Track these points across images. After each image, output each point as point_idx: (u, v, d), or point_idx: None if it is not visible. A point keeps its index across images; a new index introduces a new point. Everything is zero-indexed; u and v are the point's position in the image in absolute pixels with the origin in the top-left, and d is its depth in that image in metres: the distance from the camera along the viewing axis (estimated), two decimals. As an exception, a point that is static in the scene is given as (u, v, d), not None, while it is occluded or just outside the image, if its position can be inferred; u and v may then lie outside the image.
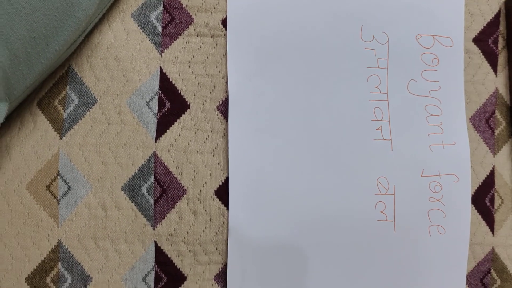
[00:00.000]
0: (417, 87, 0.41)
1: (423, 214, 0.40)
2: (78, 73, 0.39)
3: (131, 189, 0.39)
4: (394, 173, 0.40)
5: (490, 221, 0.42)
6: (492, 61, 0.44)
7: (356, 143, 0.40)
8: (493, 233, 0.42)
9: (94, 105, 0.39)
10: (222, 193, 0.39)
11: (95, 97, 0.39)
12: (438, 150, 0.41)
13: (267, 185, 0.39)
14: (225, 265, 0.39)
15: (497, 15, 0.44)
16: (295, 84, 0.40)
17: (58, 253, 0.38)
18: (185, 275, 0.39)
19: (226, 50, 0.40)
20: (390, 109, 0.41)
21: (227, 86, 0.40)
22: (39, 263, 0.37)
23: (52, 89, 0.39)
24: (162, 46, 0.40)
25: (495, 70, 0.44)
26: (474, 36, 0.43)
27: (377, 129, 0.40)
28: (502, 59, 0.44)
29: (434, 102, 0.41)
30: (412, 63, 0.41)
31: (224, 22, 0.41)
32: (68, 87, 0.39)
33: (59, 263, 0.38)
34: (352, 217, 0.39)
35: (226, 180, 0.39)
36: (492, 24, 0.44)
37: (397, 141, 0.41)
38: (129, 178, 0.39)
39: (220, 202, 0.39)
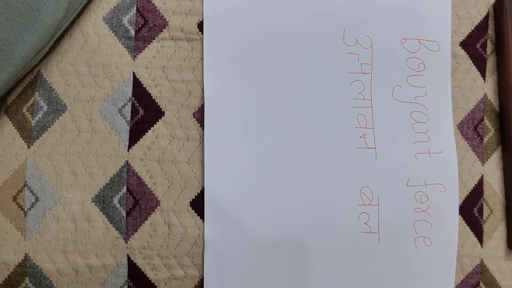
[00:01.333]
0: (402, 93, 0.40)
1: (409, 226, 0.38)
2: (48, 79, 0.37)
3: (102, 200, 0.37)
4: (378, 183, 0.39)
5: (478, 232, 0.40)
6: (481, 66, 0.42)
7: (338, 152, 0.38)
8: (481, 244, 0.40)
9: (64, 112, 0.37)
10: (198, 204, 0.38)
11: (65, 104, 0.37)
12: (424, 159, 0.39)
13: (245, 195, 0.37)
14: (202, 279, 0.37)
15: (486, 18, 0.42)
16: (274, 89, 0.38)
17: (26, 267, 0.36)
18: (158, 290, 0.37)
19: (202, 55, 0.38)
20: (374, 116, 0.39)
21: (203, 92, 0.38)
22: (5, 278, 0.36)
23: (20, 95, 0.37)
24: (135, 51, 0.38)
25: (483, 75, 0.42)
26: (461, 40, 0.42)
27: (360, 137, 0.39)
28: (490, 63, 0.42)
29: (420, 109, 0.40)
30: (397, 68, 0.40)
31: (200, 26, 0.39)
32: (37, 93, 0.37)
33: (27, 278, 0.36)
34: (334, 229, 0.38)
35: (202, 191, 0.38)
36: (481, 28, 0.42)
37: (381, 149, 0.39)
38: (100, 189, 0.37)
39: (196, 214, 0.37)
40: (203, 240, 0.37)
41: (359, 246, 0.38)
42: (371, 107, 0.39)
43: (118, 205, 0.37)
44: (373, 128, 0.39)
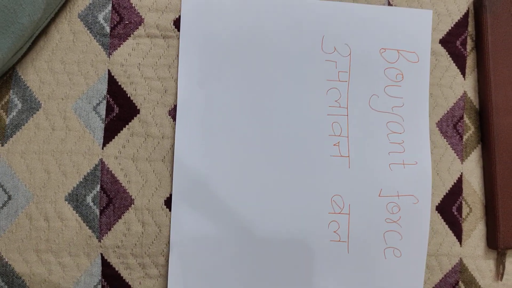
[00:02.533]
0: (379, 102, 0.39)
1: (379, 236, 0.38)
2: (22, 77, 0.37)
3: (75, 198, 0.37)
4: (350, 192, 0.38)
5: (457, 231, 0.40)
6: (460, 63, 0.42)
7: (311, 158, 0.38)
8: (460, 243, 0.40)
9: (38, 110, 0.37)
10: (173, 202, 0.37)
11: (39, 101, 0.37)
12: (398, 170, 0.39)
13: (214, 198, 0.37)
14: (177, 279, 0.37)
15: (466, 15, 0.42)
16: (249, 92, 0.38)
17: (-2, 266, 0.36)
18: (132, 289, 0.37)
19: (178, 52, 0.38)
20: (350, 124, 0.39)
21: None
22: (-23, 278, 0.35)
23: (-5, 93, 0.37)
24: (110, 48, 0.38)
25: (463, 73, 0.42)
26: (441, 38, 0.42)
27: (334, 145, 0.38)
28: (470, 61, 0.42)
29: (397, 119, 0.39)
30: (375, 78, 0.39)
31: (176, 23, 0.39)
32: (11, 91, 0.37)
33: (-1, 277, 0.35)
34: (304, 236, 0.37)
35: (177, 189, 0.37)
36: (460, 25, 0.42)
37: (355, 158, 0.38)
38: (74, 187, 0.37)
39: (170, 213, 0.37)
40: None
41: (328, 255, 0.38)
42: (347, 115, 0.39)
43: (91, 204, 0.37)
44: (347, 137, 0.39)
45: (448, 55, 0.42)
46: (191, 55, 0.38)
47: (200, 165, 0.37)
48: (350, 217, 0.38)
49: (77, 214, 0.36)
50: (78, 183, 0.37)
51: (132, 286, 0.37)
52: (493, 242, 0.40)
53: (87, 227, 0.36)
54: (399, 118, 0.39)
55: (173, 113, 0.38)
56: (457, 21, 0.42)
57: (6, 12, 0.33)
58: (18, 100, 0.37)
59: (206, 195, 0.37)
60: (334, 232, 0.37)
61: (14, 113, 0.37)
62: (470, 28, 0.42)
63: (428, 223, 0.39)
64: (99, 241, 0.37)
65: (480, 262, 0.40)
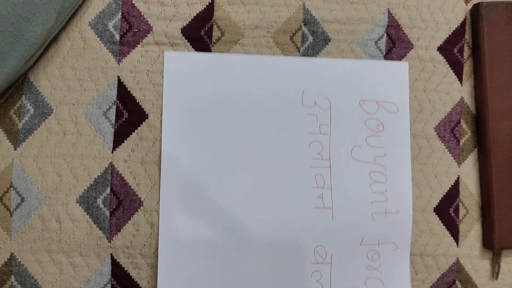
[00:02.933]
0: (362, 153, 0.40)
1: (361, 283, 0.39)
2: (34, 83, 0.38)
3: (86, 201, 0.38)
4: (332, 242, 0.39)
5: (454, 232, 0.42)
6: (457, 70, 0.43)
7: (295, 211, 0.39)
8: (457, 244, 0.41)
9: (49, 115, 0.38)
10: (180, 204, 0.39)
11: (51, 107, 0.38)
12: (380, 219, 0.40)
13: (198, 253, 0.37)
14: (184, 278, 0.38)
15: (463, 23, 0.44)
16: (232, 147, 0.39)
17: (11, 266, 0.37)
18: (141, 288, 0.38)
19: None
20: (333, 176, 0.39)
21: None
22: (-9, 277, 0.36)
23: (8, 99, 0.38)
24: (120, 55, 0.39)
25: (460, 79, 0.43)
26: (439, 45, 0.43)
27: (318, 197, 0.39)
28: (467, 68, 0.44)
29: (379, 169, 0.40)
30: (356, 129, 0.40)
31: (184, 31, 0.40)
32: (24, 97, 0.38)
33: (12, 277, 0.37)
34: (287, 287, 0.38)
35: (184, 192, 0.39)
36: (458, 33, 0.43)
37: (338, 209, 0.39)
38: (84, 190, 0.38)
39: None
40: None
41: None
42: (329, 167, 0.39)
43: (102, 206, 0.38)
44: (330, 188, 0.39)
45: (446, 62, 0.43)
46: (175, 113, 0.38)
47: (186, 223, 0.38)
48: (332, 267, 0.39)
49: (88, 216, 0.38)
50: (88, 185, 0.38)
51: (140, 285, 0.38)
52: (488, 242, 0.41)
53: (98, 228, 0.38)
54: (382, 167, 0.40)
55: (180, 118, 0.39)
56: (454, 29, 0.43)
57: (20, 20, 0.34)
58: (31, 105, 0.38)
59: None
60: (317, 281, 0.38)
61: (27, 118, 0.38)
62: (467, 36, 0.44)
63: (408, 267, 0.40)
64: (109, 241, 0.38)
65: (476, 262, 0.42)
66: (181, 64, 0.38)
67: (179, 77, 0.38)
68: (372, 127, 0.40)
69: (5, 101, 0.38)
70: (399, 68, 0.41)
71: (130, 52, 0.39)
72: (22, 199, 0.37)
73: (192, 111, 0.38)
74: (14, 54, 0.35)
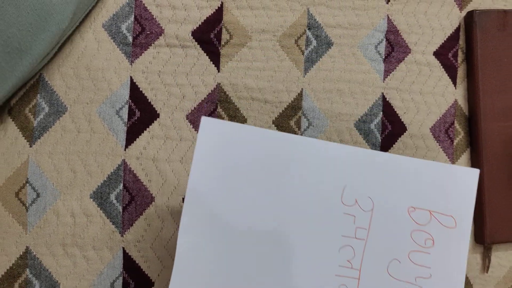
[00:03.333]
0: (401, 270, 0.33)
1: None
2: (49, 82, 0.40)
3: (100, 196, 0.39)
4: None
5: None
6: (452, 74, 0.46)
7: None
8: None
9: (64, 113, 0.40)
10: (190, 200, 0.40)
11: (65, 105, 0.40)
12: None
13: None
14: (193, 271, 0.40)
15: (457, 30, 0.46)
16: (256, 238, 0.33)
17: (26, 259, 0.38)
18: (152, 280, 0.39)
19: (196, 61, 0.41)
20: None
21: (196, 96, 0.41)
22: (7, 269, 0.38)
23: (23, 97, 0.39)
24: (132, 56, 0.41)
25: (454, 83, 0.46)
26: (435, 50, 0.45)
27: None
28: (461, 72, 0.46)
29: None
30: (399, 240, 0.34)
31: (194, 34, 0.42)
32: (39, 95, 0.40)
33: (27, 270, 0.38)
34: None
35: (194, 188, 0.40)
36: (452, 39, 0.46)
37: None
38: (98, 186, 0.39)
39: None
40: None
41: None
42: (358, 279, 0.33)
43: (115, 201, 0.39)
44: None
45: (441, 66, 0.45)
46: (201, 181, 0.32)
47: None
48: None
49: (101, 211, 0.39)
50: (102, 182, 0.39)
51: (151, 278, 0.40)
52: (480, 237, 0.44)
53: (111, 223, 0.39)
54: None
55: (190, 117, 0.41)
56: (449, 35, 0.46)
57: (38, 20, 0.36)
58: (45, 104, 0.40)
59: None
60: None
61: (42, 116, 0.39)
62: (461, 41, 0.46)
63: None
64: (122, 236, 0.39)
65: (468, 256, 0.44)
66: (217, 131, 0.33)
67: (212, 144, 0.33)
68: (419, 240, 0.34)
69: (20, 100, 0.39)
70: (467, 176, 0.34)
71: (143, 54, 0.41)
72: (38, 195, 0.39)
73: (220, 183, 0.33)
74: (31, 53, 0.36)
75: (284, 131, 0.42)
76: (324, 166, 0.34)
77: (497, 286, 0.45)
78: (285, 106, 0.43)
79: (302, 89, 0.43)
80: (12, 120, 0.39)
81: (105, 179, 0.40)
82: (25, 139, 0.39)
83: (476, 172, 0.34)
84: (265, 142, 0.33)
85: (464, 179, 0.34)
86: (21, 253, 0.38)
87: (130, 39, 0.41)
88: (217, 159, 0.33)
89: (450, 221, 0.34)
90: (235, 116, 0.42)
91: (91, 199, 0.39)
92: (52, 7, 0.36)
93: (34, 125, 0.39)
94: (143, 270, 0.40)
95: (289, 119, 0.43)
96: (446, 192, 0.34)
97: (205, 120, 0.32)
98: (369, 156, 0.34)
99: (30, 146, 0.39)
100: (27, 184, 0.38)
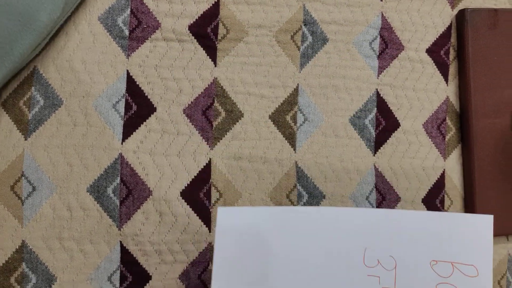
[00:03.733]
0: None
1: None
2: (44, 75, 0.39)
3: (97, 190, 0.39)
4: None
5: (439, 220, 0.45)
6: (444, 71, 0.47)
7: None
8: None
9: (60, 106, 0.39)
10: (188, 194, 0.40)
11: (61, 98, 0.39)
12: None
13: None
14: (190, 264, 0.40)
15: (449, 27, 0.47)
16: None
17: (22, 253, 0.38)
18: (150, 274, 0.40)
19: (193, 55, 0.41)
20: None
21: (193, 90, 0.41)
22: (3, 263, 0.37)
23: (17, 90, 0.39)
24: (129, 50, 0.41)
25: (446, 80, 0.47)
26: (427, 47, 0.46)
27: None
28: (453, 69, 0.47)
29: None
30: None
31: (191, 28, 0.42)
32: (33, 88, 0.39)
33: (23, 263, 0.38)
34: None
35: (192, 182, 0.41)
36: (444, 36, 0.47)
37: None
38: (95, 180, 0.39)
39: (186, 203, 0.40)
40: (193, 227, 0.40)
41: None
42: None
43: (112, 195, 0.39)
44: None
45: (433, 63, 0.46)
46: (225, 271, 0.33)
47: None
48: None
49: (98, 205, 0.39)
50: (99, 175, 0.39)
51: (148, 271, 0.40)
52: (470, 230, 0.45)
53: (108, 217, 0.39)
54: None
55: (187, 111, 0.41)
56: (441, 32, 0.47)
57: (29, 10, 0.35)
58: (40, 96, 0.39)
59: None
60: None
61: (37, 109, 0.39)
62: (453, 39, 0.47)
63: None
64: (119, 229, 0.39)
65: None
66: (234, 219, 0.34)
67: (230, 232, 0.33)
68: None
69: (14, 92, 0.39)
70: (481, 223, 0.35)
71: (139, 47, 0.41)
72: (34, 188, 0.38)
73: (243, 269, 0.33)
74: (22, 43, 0.35)
75: (280, 126, 0.43)
76: (343, 232, 0.35)
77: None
78: (281, 101, 0.43)
79: (298, 84, 0.44)
80: (6, 113, 0.39)
81: (102, 172, 0.39)
82: (20, 132, 0.39)
83: (490, 218, 0.35)
84: (281, 218, 0.34)
85: (479, 226, 0.35)
86: (17, 247, 0.38)
87: (127, 32, 0.41)
88: (239, 246, 0.34)
89: (472, 271, 0.34)
90: (232, 110, 0.42)
91: (88, 193, 0.39)
92: (43, -3, 0.36)
93: (29, 118, 0.39)
94: (141, 263, 0.40)
95: (285, 114, 0.43)
96: (464, 242, 0.35)
97: (221, 210, 0.33)
98: (385, 215, 0.35)
99: (25, 139, 0.39)
100: (23, 178, 0.38)
